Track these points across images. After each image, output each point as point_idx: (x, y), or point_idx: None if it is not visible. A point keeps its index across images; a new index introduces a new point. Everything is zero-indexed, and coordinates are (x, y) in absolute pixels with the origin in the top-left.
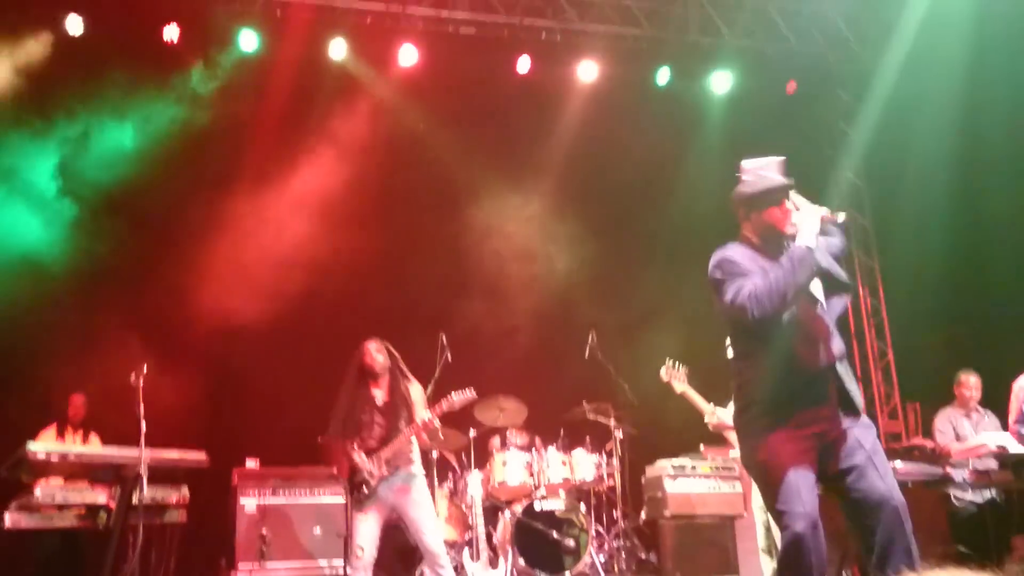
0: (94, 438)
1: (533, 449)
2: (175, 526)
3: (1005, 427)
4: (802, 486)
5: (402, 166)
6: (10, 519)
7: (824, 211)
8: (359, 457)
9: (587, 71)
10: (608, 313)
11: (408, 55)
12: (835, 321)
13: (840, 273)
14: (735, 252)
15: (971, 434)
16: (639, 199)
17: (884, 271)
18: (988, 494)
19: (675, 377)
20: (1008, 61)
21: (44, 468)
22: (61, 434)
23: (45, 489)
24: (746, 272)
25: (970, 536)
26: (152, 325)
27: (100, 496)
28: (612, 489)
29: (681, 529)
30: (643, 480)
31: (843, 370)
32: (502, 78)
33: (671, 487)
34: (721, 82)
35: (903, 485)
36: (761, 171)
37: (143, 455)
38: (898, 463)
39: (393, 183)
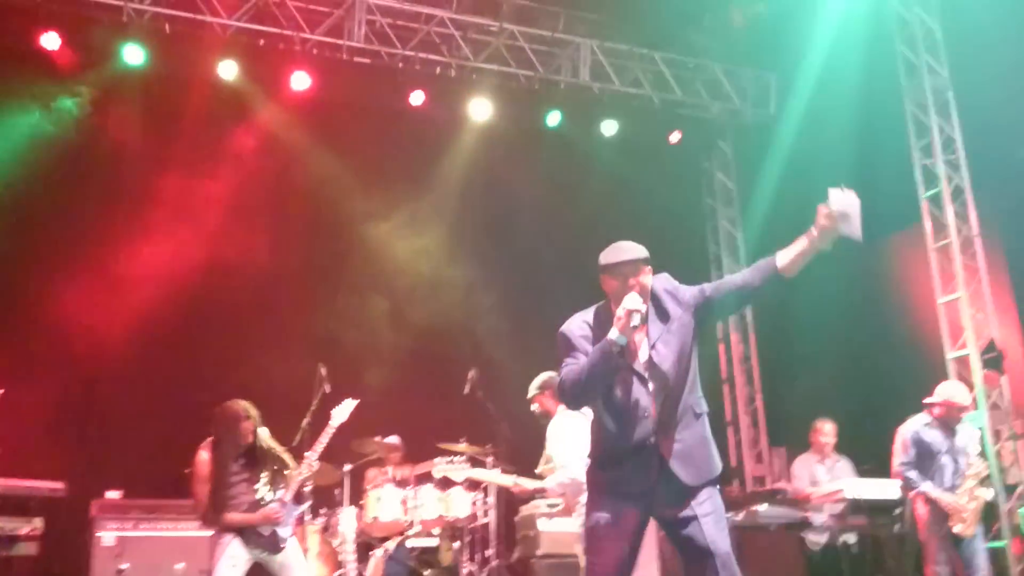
0: None
1: (409, 486)
2: (25, 559)
3: (860, 472)
4: (609, 557)
5: (289, 190)
6: None
7: (636, 309)
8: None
9: (480, 109)
10: (491, 351)
11: (300, 80)
12: (671, 398)
13: (671, 354)
14: (572, 326)
15: (825, 479)
16: (528, 237)
17: (756, 318)
18: (842, 539)
19: (450, 471)
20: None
21: None
22: None
23: None
24: (573, 350)
25: None
26: (10, 346)
27: None
28: (486, 527)
29: (553, 568)
30: (517, 519)
31: (673, 446)
32: (396, 110)
33: (545, 526)
34: (609, 127)
35: (766, 528)
36: (624, 242)
37: None
38: (764, 506)
39: (277, 206)
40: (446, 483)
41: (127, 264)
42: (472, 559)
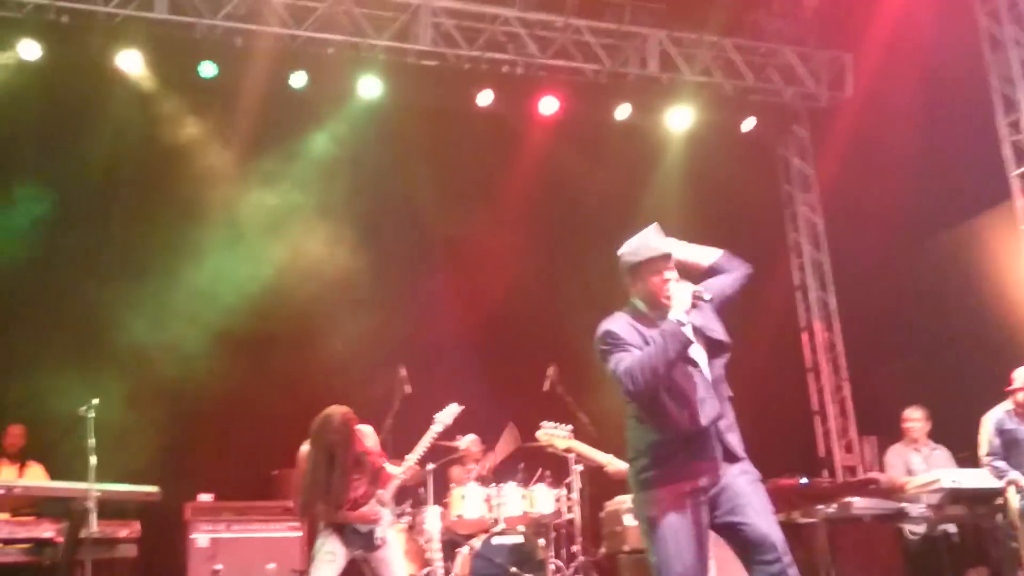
0: (36, 469)
1: (492, 483)
2: (125, 561)
3: (958, 461)
4: (683, 545)
5: (363, 195)
6: None
7: (692, 288)
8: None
9: (548, 105)
10: (569, 346)
11: (370, 87)
12: (716, 380)
13: (719, 333)
14: (617, 323)
15: (922, 468)
16: (599, 233)
17: (840, 305)
18: (942, 528)
19: (555, 438)
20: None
21: None
22: None
23: None
24: (626, 345)
25: (924, 571)
26: (100, 358)
27: (47, 531)
28: (571, 523)
29: (640, 564)
30: (602, 514)
31: (723, 424)
32: (463, 111)
33: (631, 521)
34: (680, 118)
35: (860, 520)
36: (644, 239)
37: (92, 489)
38: (857, 498)
39: (353, 212)
40: (528, 480)
41: (211, 272)
42: (558, 555)
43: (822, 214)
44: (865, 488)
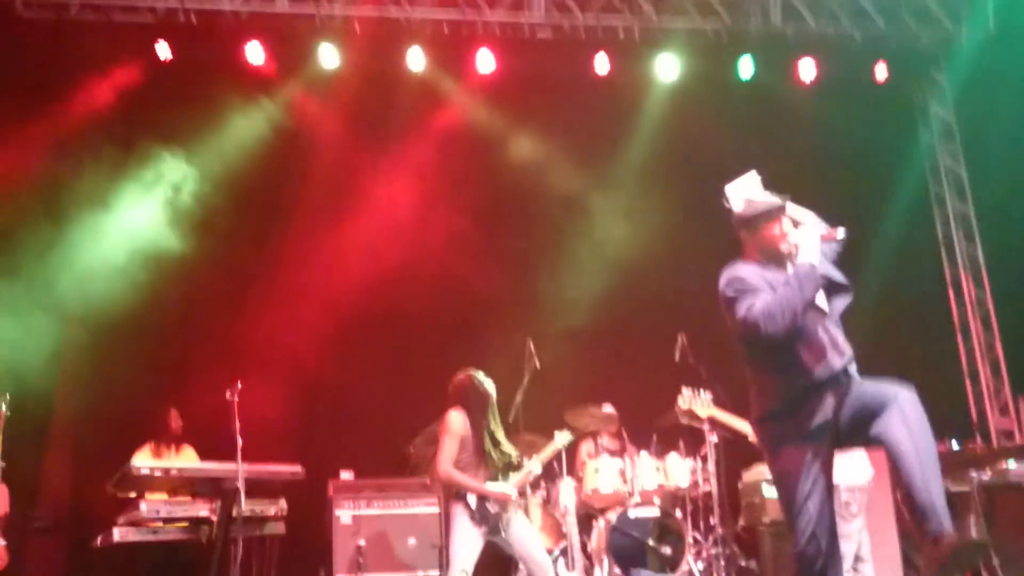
0: (188, 450)
1: (626, 455)
2: (275, 538)
3: None
4: (812, 501)
5: (487, 173)
6: (119, 533)
7: (823, 228)
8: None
9: (667, 68)
10: (698, 315)
11: (486, 62)
12: (839, 321)
13: (839, 276)
14: (744, 270)
15: None
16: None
17: (989, 259)
18: None
19: (696, 404)
20: None
21: (147, 483)
22: (157, 448)
23: (150, 504)
24: (755, 289)
25: None
26: (245, 341)
27: (202, 510)
28: (708, 495)
29: (781, 536)
30: (740, 485)
31: (852, 368)
32: (583, 81)
33: (769, 492)
34: (808, 71)
35: (1018, 486)
36: (752, 193)
37: (240, 469)
38: (1014, 463)
39: (478, 190)
40: (662, 452)
41: (345, 260)
42: (696, 528)
43: (965, 164)
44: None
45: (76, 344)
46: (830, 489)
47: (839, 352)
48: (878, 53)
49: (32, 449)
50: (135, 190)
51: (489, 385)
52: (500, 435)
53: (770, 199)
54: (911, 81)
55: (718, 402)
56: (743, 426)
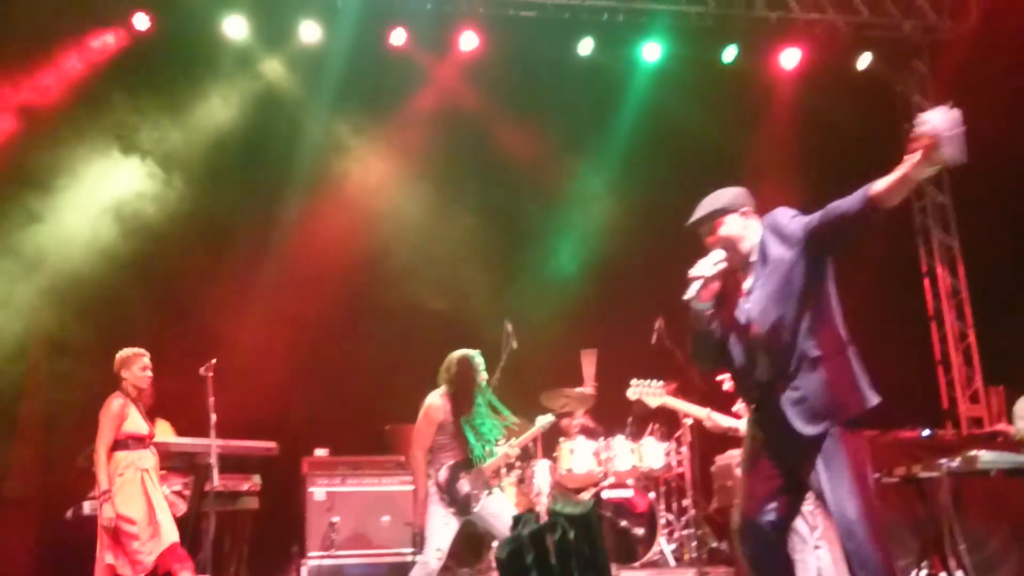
0: (164, 424)
1: (601, 437)
2: (247, 513)
3: None
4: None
5: (466, 150)
6: (89, 507)
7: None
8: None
9: (651, 52)
10: (676, 299)
11: (469, 40)
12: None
13: None
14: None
15: None
16: (707, 182)
17: (963, 247)
18: None
19: (646, 394)
20: None
21: None
22: None
23: None
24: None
25: None
26: (221, 317)
27: (175, 484)
28: (681, 477)
29: None
30: (713, 468)
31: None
32: (565, 61)
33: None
34: (791, 58)
35: (986, 474)
36: (701, 204)
37: (213, 444)
38: (983, 451)
39: (457, 169)
40: (638, 434)
41: (323, 237)
42: (669, 509)
43: None
44: (992, 441)
45: (48, 318)
46: (769, 498)
47: (758, 372)
48: (862, 42)
49: (3, 423)
50: (110, 163)
51: (482, 367)
52: (485, 420)
53: (699, 211)
54: (894, 71)
55: (688, 388)
56: (700, 413)
